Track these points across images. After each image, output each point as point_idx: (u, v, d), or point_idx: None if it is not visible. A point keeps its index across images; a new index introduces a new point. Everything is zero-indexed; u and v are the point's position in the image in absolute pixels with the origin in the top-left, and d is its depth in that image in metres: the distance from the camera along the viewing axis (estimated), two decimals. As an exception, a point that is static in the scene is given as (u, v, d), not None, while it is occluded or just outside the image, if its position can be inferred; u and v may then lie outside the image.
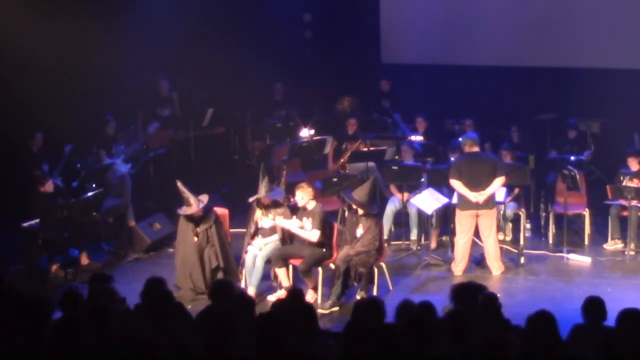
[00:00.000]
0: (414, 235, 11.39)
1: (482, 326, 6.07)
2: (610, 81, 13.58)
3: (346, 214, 10.70)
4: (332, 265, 9.63)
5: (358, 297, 9.36)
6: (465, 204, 10.25)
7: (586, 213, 11.45)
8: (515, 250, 10.86)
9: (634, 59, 14.02)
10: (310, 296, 9.44)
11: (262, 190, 9.85)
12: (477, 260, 10.67)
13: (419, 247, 11.25)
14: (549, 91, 14.39)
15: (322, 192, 10.94)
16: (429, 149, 12.62)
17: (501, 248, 10.62)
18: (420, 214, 11.20)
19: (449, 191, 10.79)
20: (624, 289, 9.76)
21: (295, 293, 7.02)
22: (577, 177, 10.90)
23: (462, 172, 10.25)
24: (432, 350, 5.65)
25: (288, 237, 9.87)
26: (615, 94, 13.36)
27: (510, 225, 11.46)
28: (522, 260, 10.67)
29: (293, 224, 9.67)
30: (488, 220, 10.28)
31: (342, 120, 13.76)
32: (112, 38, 12.58)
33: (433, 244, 11.16)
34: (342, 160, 12.70)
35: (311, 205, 9.65)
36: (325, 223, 9.70)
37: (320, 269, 9.67)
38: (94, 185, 11.20)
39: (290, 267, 9.75)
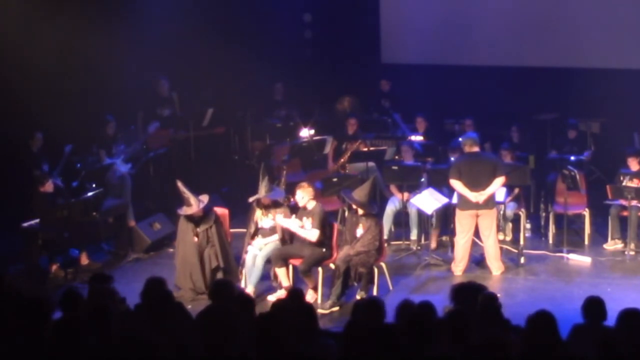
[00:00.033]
0: (414, 235, 11.39)
1: (482, 326, 6.07)
2: (610, 81, 13.58)
3: (346, 214, 10.71)
4: (332, 265, 9.63)
5: (358, 297, 9.36)
6: (465, 204, 10.25)
7: (586, 213, 11.45)
8: (515, 250, 10.86)
9: (634, 59, 14.02)
10: (310, 296, 9.44)
11: (262, 191, 9.86)
12: (477, 260, 10.67)
13: (419, 247, 11.25)
14: (549, 91, 14.39)
15: (322, 192, 10.94)
16: (429, 149, 12.62)
17: (501, 248, 10.62)
18: (420, 214, 11.20)
19: (449, 191, 10.79)
20: (624, 289, 9.76)
21: (295, 293, 7.03)
22: (577, 177, 10.90)
23: (462, 172, 10.25)
24: (432, 350, 5.65)
25: (288, 237, 9.87)
26: (615, 94, 13.36)
27: (510, 225, 11.46)
28: (522, 260, 10.67)
29: (293, 223, 9.68)
30: (488, 220, 10.28)
31: (342, 120, 13.76)
32: (112, 38, 12.58)
33: (433, 244, 11.16)
34: (342, 160, 12.70)
35: (311, 205, 9.65)
36: (325, 223, 9.70)
37: (320, 269, 9.67)
38: (94, 185, 11.20)
39: (290, 267, 9.75)
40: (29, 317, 6.04)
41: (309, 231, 9.57)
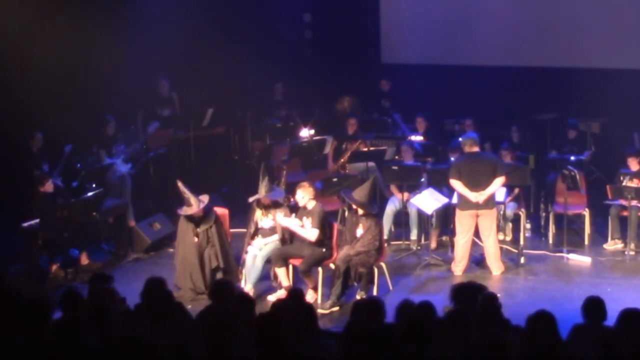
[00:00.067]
0: (414, 235, 11.39)
1: (482, 326, 6.07)
2: (610, 81, 13.58)
3: (346, 214, 10.70)
4: (332, 265, 9.63)
5: (358, 297, 9.36)
6: (465, 204, 10.25)
7: (586, 213, 11.45)
8: (515, 250, 10.86)
9: (634, 59, 14.02)
10: (310, 296, 9.44)
11: (262, 191, 9.85)
12: (477, 260, 10.67)
13: (419, 247, 11.24)
14: (549, 91, 14.39)
15: (322, 192, 10.93)
16: (429, 149, 12.62)
17: (501, 248, 10.62)
18: (420, 214, 11.20)
19: (449, 191, 10.79)
20: (624, 289, 9.76)
21: (295, 293, 7.03)
22: (577, 177, 10.90)
23: (462, 172, 10.25)
24: (432, 350, 5.65)
25: (288, 237, 9.87)
26: (615, 94, 13.35)
27: (510, 225, 11.45)
28: (522, 260, 10.67)
29: (293, 222, 9.68)
30: (488, 220, 10.28)
31: (342, 120, 13.76)
32: (112, 38, 12.58)
33: (433, 244, 11.16)
34: (342, 160, 12.70)
35: (311, 205, 9.65)
36: (325, 223, 9.70)
37: (320, 269, 9.67)
38: (94, 185, 11.20)
39: (290, 267, 9.75)
40: (29, 317, 6.04)
41: (309, 231, 9.57)
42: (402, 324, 5.94)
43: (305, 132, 13.23)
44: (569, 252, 10.92)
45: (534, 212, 12.20)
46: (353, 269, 9.48)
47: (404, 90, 14.67)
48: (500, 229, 11.03)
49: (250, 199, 10.06)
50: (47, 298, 6.42)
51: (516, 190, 11.43)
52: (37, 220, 10.38)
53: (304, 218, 9.66)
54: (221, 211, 10.28)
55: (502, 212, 11.14)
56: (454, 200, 10.55)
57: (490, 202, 10.26)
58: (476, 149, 10.44)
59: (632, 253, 10.85)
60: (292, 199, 9.97)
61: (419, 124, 13.37)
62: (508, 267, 10.54)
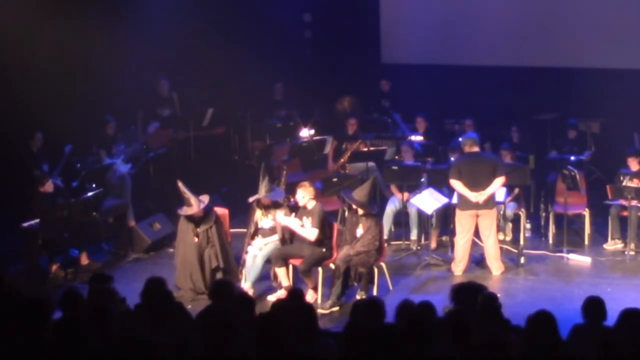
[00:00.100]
0: (414, 235, 11.39)
1: (482, 326, 6.07)
2: (610, 81, 13.58)
3: (346, 214, 10.70)
4: (332, 265, 9.63)
5: (358, 297, 9.36)
6: (465, 204, 10.25)
7: (586, 213, 11.45)
8: (515, 250, 10.86)
9: (634, 59, 14.02)
10: (310, 296, 9.44)
11: (262, 191, 9.85)
12: (477, 260, 10.67)
13: (419, 247, 11.24)
14: (549, 91, 14.39)
15: (322, 192, 10.93)
16: (429, 149, 12.62)
17: (501, 248, 10.62)
18: (420, 214, 11.20)
19: (449, 191, 10.79)
20: (624, 289, 9.76)
21: (295, 293, 7.03)
22: (577, 177, 10.90)
23: (462, 172, 10.25)
24: (432, 350, 5.65)
25: (288, 237, 9.87)
26: (615, 94, 13.35)
27: (510, 225, 11.46)
28: (522, 260, 10.67)
29: (293, 221, 9.68)
30: (488, 220, 10.28)
31: (342, 120, 13.76)
32: (112, 38, 12.58)
33: (433, 244, 11.16)
34: (342, 160, 12.70)
35: (311, 204, 9.65)
36: (325, 223, 9.70)
37: (320, 269, 9.67)
38: (94, 185, 11.20)
39: (290, 267, 9.75)
40: (29, 317, 6.03)
41: (308, 230, 9.57)
42: (402, 324, 5.94)
43: (305, 132, 13.23)
44: (569, 252, 10.92)
45: (534, 212, 12.20)
46: (353, 269, 9.48)
47: (404, 90, 14.67)
48: (500, 229, 11.03)
49: (250, 199, 10.06)
50: (47, 298, 6.41)
51: (516, 190, 11.43)
52: (37, 220, 10.38)
53: (304, 218, 9.66)
54: (221, 211, 10.28)
55: (502, 212, 11.14)
56: (454, 200, 10.55)
57: (490, 202, 10.26)
58: (476, 149, 10.44)
59: (632, 253, 10.85)
60: (292, 199, 9.97)
61: (419, 124, 13.38)
62: (508, 267, 10.54)
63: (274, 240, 9.88)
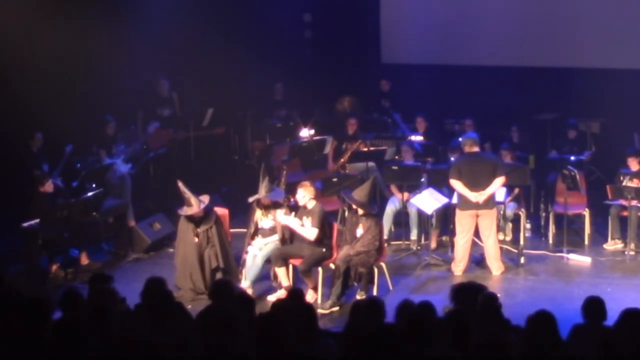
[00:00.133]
0: (414, 235, 11.39)
1: (482, 326, 6.07)
2: (610, 81, 13.59)
3: (346, 214, 10.70)
4: (332, 265, 9.63)
5: (358, 297, 9.36)
6: (465, 204, 10.24)
7: (586, 213, 11.45)
8: (515, 250, 10.86)
9: (634, 59, 14.02)
10: (310, 296, 9.44)
11: (262, 191, 9.85)
12: (477, 260, 10.67)
13: (419, 247, 11.24)
14: (549, 91, 14.40)
15: (322, 192, 10.93)
16: (429, 149, 12.62)
17: (501, 248, 10.62)
18: (420, 214, 11.20)
19: (449, 191, 10.79)
20: (624, 289, 9.77)
21: (295, 293, 7.03)
22: (577, 177, 10.90)
23: (462, 172, 10.25)
24: (432, 350, 5.64)
25: (288, 237, 9.87)
26: (615, 94, 13.37)
27: (510, 225, 11.45)
28: (522, 260, 10.67)
29: (293, 221, 9.68)
30: (488, 220, 10.28)
31: (342, 120, 13.76)
32: (112, 38, 12.58)
33: (433, 244, 11.16)
34: (342, 160, 12.70)
35: (311, 204, 9.65)
36: (325, 222, 9.70)
37: (320, 269, 9.67)
38: (94, 185, 11.20)
39: (290, 267, 9.75)
40: (29, 317, 6.03)
41: (308, 230, 9.57)
42: (402, 324, 5.94)
43: (305, 132, 13.23)
44: (569, 252, 10.92)
45: (534, 212, 12.20)
46: (353, 269, 9.48)
47: (404, 90, 14.67)
48: (500, 229, 11.03)
49: (250, 199, 10.06)
50: (47, 298, 6.42)
51: (516, 190, 11.43)
52: (37, 220, 10.36)
53: (304, 217, 9.65)
54: (221, 211, 10.28)
55: (502, 212, 11.14)
56: (454, 200, 10.55)
57: (490, 202, 10.26)
58: (476, 149, 10.44)
59: (632, 253, 10.85)
60: (292, 199, 9.97)
61: (419, 124, 13.38)
62: (508, 267, 10.54)
63: (274, 240, 9.88)
